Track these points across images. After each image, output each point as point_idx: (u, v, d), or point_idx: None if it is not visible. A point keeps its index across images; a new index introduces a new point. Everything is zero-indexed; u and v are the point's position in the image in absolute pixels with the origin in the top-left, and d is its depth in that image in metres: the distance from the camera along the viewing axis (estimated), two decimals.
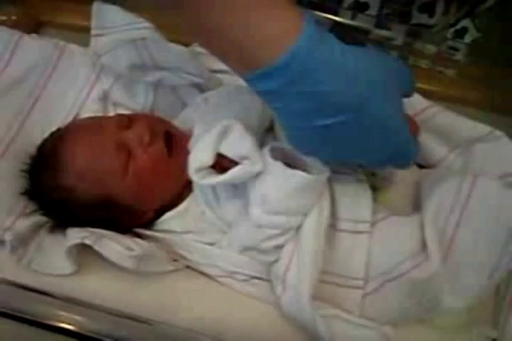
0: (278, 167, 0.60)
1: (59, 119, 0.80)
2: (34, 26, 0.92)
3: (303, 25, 0.47)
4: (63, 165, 0.69)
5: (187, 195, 0.70)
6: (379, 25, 0.83)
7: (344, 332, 0.61)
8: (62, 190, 0.69)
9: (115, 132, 0.70)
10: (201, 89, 0.79)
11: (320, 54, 0.48)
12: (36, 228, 0.71)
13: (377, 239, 0.64)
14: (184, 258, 0.69)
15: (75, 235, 0.65)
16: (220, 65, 0.80)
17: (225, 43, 0.49)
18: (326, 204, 0.64)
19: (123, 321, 0.62)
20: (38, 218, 0.71)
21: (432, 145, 0.73)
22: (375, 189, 0.69)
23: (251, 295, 0.67)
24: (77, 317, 0.61)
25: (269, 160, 0.61)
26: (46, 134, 0.75)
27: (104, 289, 0.66)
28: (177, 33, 0.83)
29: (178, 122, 0.77)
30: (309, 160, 0.61)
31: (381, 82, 0.51)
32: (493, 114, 0.80)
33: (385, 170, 0.71)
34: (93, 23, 0.81)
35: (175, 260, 0.69)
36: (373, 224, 0.65)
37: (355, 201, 0.66)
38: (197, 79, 0.76)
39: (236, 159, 0.62)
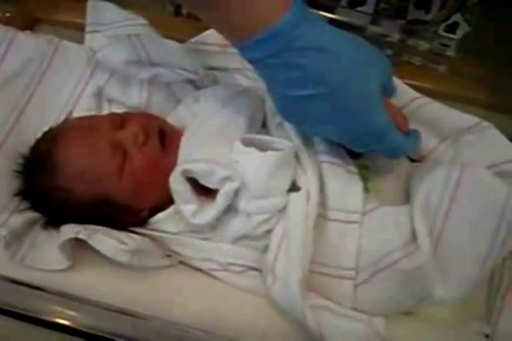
0: (251, 153, 0.64)
1: (53, 115, 0.80)
2: (29, 23, 0.92)
3: (290, 4, 0.54)
4: (58, 167, 0.69)
5: None
6: (374, 22, 0.84)
7: (333, 324, 0.61)
8: (58, 191, 0.69)
9: (109, 132, 0.70)
10: (196, 85, 0.79)
11: (304, 30, 0.54)
12: (30, 224, 0.71)
13: (367, 229, 0.64)
14: (177, 253, 0.70)
15: (69, 230, 0.65)
16: (215, 62, 0.83)
17: (221, 15, 0.56)
18: (313, 193, 0.64)
19: (117, 316, 0.63)
20: (32, 214, 0.72)
21: (421, 137, 0.74)
22: (366, 181, 0.69)
23: (246, 288, 0.67)
24: (71, 313, 0.62)
25: (242, 148, 0.64)
26: (41, 130, 0.75)
27: (99, 284, 0.66)
28: (172, 30, 0.84)
29: (172, 119, 0.77)
30: (275, 140, 0.67)
31: (362, 62, 0.57)
32: (484, 111, 0.81)
33: (376, 163, 0.71)
34: (88, 20, 0.81)
35: (168, 255, 0.69)
36: (364, 214, 0.65)
37: (346, 191, 0.66)
38: (191, 76, 0.77)
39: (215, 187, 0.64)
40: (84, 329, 0.61)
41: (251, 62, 0.58)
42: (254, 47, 0.55)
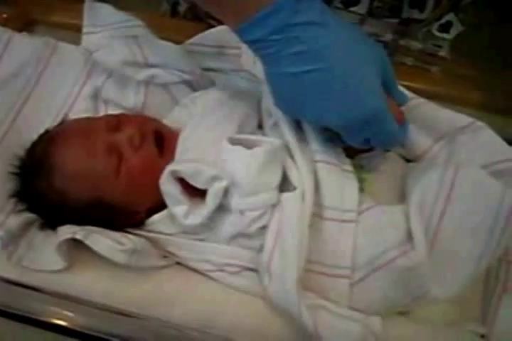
0: (238, 151, 0.64)
1: (50, 117, 0.80)
2: (25, 25, 0.92)
3: None
4: (55, 169, 0.69)
5: None
6: (367, 22, 0.84)
7: (330, 323, 0.61)
8: (54, 193, 0.69)
9: (105, 134, 0.70)
10: (192, 86, 0.79)
11: (304, 6, 0.56)
12: (27, 225, 0.71)
13: (363, 228, 0.65)
14: (173, 254, 0.70)
15: (66, 231, 0.65)
16: (212, 63, 0.83)
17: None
18: (309, 192, 0.64)
19: (114, 317, 0.63)
20: (29, 215, 0.71)
21: (415, 137, 0.74)
22: (362, 181, 0.69)
23: (242, 288, 0.67)
24: (67, 313, 0.62)
25: (229, 146, 0.65)
26: (37, 132, 0.76)
27: (95, 285, 0.66)
28: (168, 31, 0.84)
29: (168, 121, 0.77)
30: (263, 139, 0.67)
31: (360, 42, 0.60)
32: (476, 112, 0.81)
33: (372, 163, 0.72)
34: (85, 21, 0.81)
35: (165, 256, 0.69)
36: (359, 213, 0.66)
37: (341, 190, 0.66)
38: (188, 77, 0.77)
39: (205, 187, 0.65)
40: (81, 330, 0.61)
41: (253, 43, 0.59)
42: (256, 25, 0.57)
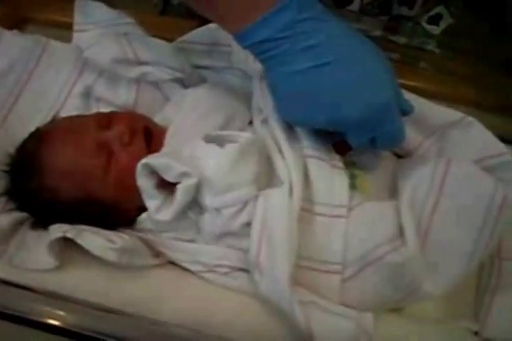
0: (211, 148, 0.64)
1: (41, 115, 0.80)
2: (16, 23, 0.92)
3: None
4: (45, 167, 0.69)
5: None
6: (357, 19, 0.84)
7: (321, 320, 0.60)
8: (44, 191, 0.69)
9: (95, 132, 0.70)
10: (183, 84, 0.79)
11: (308, 3, 0.58)
12: (18, 224, 0.70)
13: (354, 224, 0.64)
14: (165, 254, 0.69)
15: (57, 229, 0.65)
16: (203, 61, 0.83)
17: (224, 3, 0.58)
18: (296, 186, 0.64)
19: (107, 316, 0.62)
20: (20, 214, 0.71)
21: (407, 133, 0.74)
22: (354, 178, 0.69)
23: (234, 289, 0.66)
24: (59, 312, 0.61)
25: (203, 144, 0.65)
26: (28, 130, 0.75)
27: (88, 283, 0.66)
28: (159, 29, 0.84)
29: (159, 118, 0.77)
30: (235, 133, 0.67)
31: (364, 41, 0.61)
32: (466, 108, 0.80)
33: (363, 159, 0.72)
34: (76, 19, 0.81)
35: (156, 255, 0.69)
36: (350, 209, 0.65)
37: (332, 186, 0.66)
38: (179, 74, 0.77)
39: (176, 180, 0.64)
40: (73, 329, 0.60)
41: (258, 45, 0.59)
42: (261, 26, 0.57)
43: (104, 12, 0.82)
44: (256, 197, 0.65)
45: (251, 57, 0.62)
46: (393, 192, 0.69)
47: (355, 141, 0.64)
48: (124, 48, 0.76)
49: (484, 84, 0.85)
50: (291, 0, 0.56)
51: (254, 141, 0.66)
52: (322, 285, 0.64)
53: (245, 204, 0.64)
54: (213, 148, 0.64)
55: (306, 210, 0.65)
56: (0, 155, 0.74)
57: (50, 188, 0.68)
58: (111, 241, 0.63)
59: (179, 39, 0.82)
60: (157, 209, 0.65)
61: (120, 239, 0.64)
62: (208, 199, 0.64)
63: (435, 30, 0.86)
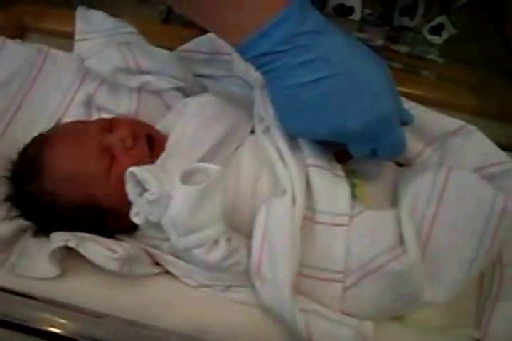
0: (179, 188, 0.60)
1: (43, 123, 0.80)
2: (18, 32, 0.92)
3: None
4: (46, 170, 0.68)
5: None
6: (359, 28, 0.85)
7: (322, 328, 0.60)
8: (45, 194, 0.68)
9: (97, 136, 0.70)
10: (185, 93, 0.80)
11: (308, 16, 0.57)
12: (20, 232, 0.70)
13: (355, 233, 0.64)
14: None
15: (59, 238, 0.65)
16: (204, 70, 0.83)
17: (224, 16, 0.58)
18: (299, 195, 0.64)
19: (107, 323, 0.63)
20: (22, 222, 0.71)
21: (407, 141, 0.74)
22: (354, 186, 0.69)
23: (233, 300, 0.66)
24: (61, 320, 0.61)
25: (178, 183, 0.60)
26: (30, 139, 0.75)
27: (89, 292, 0.66)
28: (161, 38, 0.84)
29: (161, 126, 0.77)
30: (202, 166, 0.62)
31: (365, 51, 0.61)
32: (467, 117, 0.81)
33: (364, 168, 0.72)
34: (77, 28, 0.81)
35: (157, 264, 0.69)
36: (351, 217, 0.65)
37: (334, 194, 0.66)
38: (181, 84, 0.77)
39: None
40: (74, 337, 0.60)
41: (259, 58, 0.59)
42: (261, 39, 0.57)
43: (105, 21, 0.82)
44: (226, 234, 0.63)
45: (251, 66, 0.62)
46: (393, 200, 0.70)
47: (356, 151, 0.64)
48: (125, 57, 0.76)
49: (486, 93, 0.85)
50: (292, 11, 0.56)
51: (219, 174, 0.61)
52: (323, 293, 0.64)
53: (216, 241, 0.62)
54: (180, 188, 0.60)
55: (308, 219, 0.65)
56: (2, 162, 0.74)
57: (50, 191, 0.68)
58: (112, 250, 0.63)
59: (180, 48, 0.83)
60: (135, 213, 0.65)
61: (121, 248, 0.65)
62: (174, 240, 0.63)
63: (437, 40, 0.86)
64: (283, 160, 0.68)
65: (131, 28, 0.82)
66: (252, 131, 0.74)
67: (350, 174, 0.71)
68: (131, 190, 0.64)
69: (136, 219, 0.65)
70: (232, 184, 0.69)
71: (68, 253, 0.65)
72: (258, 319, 0.65)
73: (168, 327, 0.64)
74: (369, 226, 0.65)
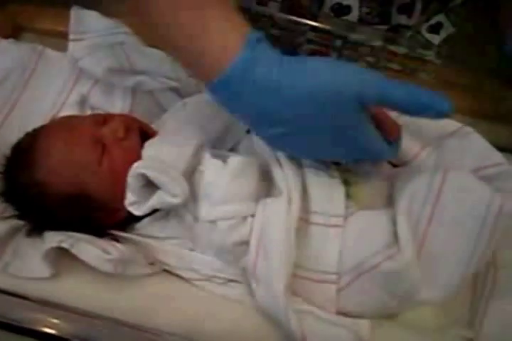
0: (215, 163, 0.65)
1: (37, 123, 0.78)
2: (12, 31, 0.92)
3: (242, 45, 0.54)
4: (37, 161, 0.68)
5: None
6: (356, 29, 0.84)
7: (317, 329, 0.61)
8: (36, 185, 0.68)
9: (90, 128, 0.70)
10: (179, 93, 0.80)
11: (254, 76, 0.54)
12: (13, 232, 0.70)
13: (349, 233, 0.64)
14: (161, 262, 0.69)
15: (52, 238, 0.65)
16: None
17: (183, 58, 0.59)
18: (295, 196, 0.64)
19: (101, 324, 0.63)
20: (15, 222, 0.71)
21: (404, 143, 0.74)
22: (348, 186, 0.69)
23: (229, 297, 0.67)
24: (54, 321, 0.61)
25: (208, 156, 0.66)
26: None
27: (82, 292, 0.66)
28: (154, 39, 0.83)
29: (156, 126, 0.77)
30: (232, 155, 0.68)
31: (328, 100, 0.54)
32: (464, 118, 0.81)
33: (358, 169, 0.71)
34: (71, 28, 0.81)
35: (151, 263, 0.69)
36: (345, 218, 0.66)
37: (328, 195, 0.66)
38: (174, 84, 0.77)
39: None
40: (67, 337, 0.61)
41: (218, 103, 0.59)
42: (216, 88, 0.56)
43: (99, 21, 0.82)
44: (253, 216, 0.65)
45: None
46: (388, 201, 0.70)
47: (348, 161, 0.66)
48: (119, 58, 0.76)
49: (484, 94, 0.86)
50: (236, 70, 0.54)
51: (254, 161, 0.67)
52: (318, 294, 0.64)
53: (244, 219, 0.64)
54: (217, 163, 0.65)
55: (303, 219, 0.65)
56: None
57: (41, 182, 0.68)
58: (106, 251, 0.63)
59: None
60: (133, 202, 0.65)
61: (115, 249, 0.64)
62: (204, 211, 0.64)
63: (435, 38, 0.85)
64: (279, 161, 0.68)
65: (125, 29, 0.82)
66: (248, 131, 0.74)
67: (346, 174, 0.70)
68: (134, 183, 0.65)
69: (133, 208, 0.66)
70: None
71: (62, 253, 0.64)
72: (252, 319, 0.65)
73: (162, 327, 0.64)
74: (363, 226, 0.65)
